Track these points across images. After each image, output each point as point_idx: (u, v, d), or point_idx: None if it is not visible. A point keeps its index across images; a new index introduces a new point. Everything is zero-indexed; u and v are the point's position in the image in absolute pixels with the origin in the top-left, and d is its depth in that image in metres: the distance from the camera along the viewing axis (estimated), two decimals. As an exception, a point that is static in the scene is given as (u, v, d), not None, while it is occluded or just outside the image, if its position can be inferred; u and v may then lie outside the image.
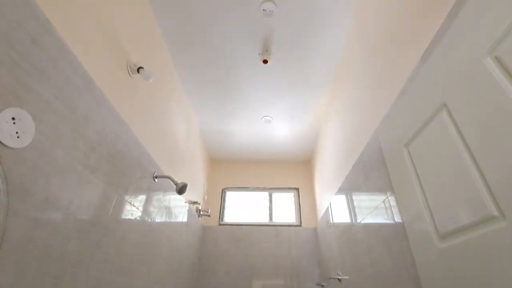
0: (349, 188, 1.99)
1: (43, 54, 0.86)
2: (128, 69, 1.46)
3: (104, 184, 1.20)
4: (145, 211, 1.65)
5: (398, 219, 1.23)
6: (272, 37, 2.01)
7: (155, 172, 1.77)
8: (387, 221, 1.34)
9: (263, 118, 2.97)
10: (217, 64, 2.27)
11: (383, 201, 1.39)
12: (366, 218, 1.63)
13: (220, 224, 3.38)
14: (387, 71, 1.39)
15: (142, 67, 1.51)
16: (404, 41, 1.23)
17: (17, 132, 0.80)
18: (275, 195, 3.67)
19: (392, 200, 1.30)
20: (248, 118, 2.99)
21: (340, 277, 2.18)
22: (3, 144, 0.75)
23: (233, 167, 3.88)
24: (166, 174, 2.02)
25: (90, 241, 1.10)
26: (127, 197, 1.41)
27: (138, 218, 1.55)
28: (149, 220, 1.71)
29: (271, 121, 3.01)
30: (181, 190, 1.78)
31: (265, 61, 2.14)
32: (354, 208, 1.88)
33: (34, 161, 0.84)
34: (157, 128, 1.86)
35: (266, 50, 2.11)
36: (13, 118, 0.79)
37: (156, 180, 1.78)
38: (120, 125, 1.34)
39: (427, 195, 0.97)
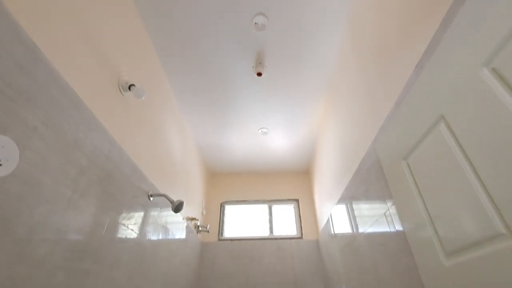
0: (349, 198, 1.95)
1: (30, 80, 0.84)
2: (119, 88, 1.43)
3: (94, 208, 1.15)
4: (140, 231, 1.59)
5: (400, 230, 1.19)
6: (265, 50, 2.01)
7: (149, 190, 1.72)
8: (390, 232, 1.30)
9: (260, 130, 2.94)
10: (211, 77, 2.26)
11: (384, 214, 1.36)
12: (369, 229, 1.58)
13: (219, 240, 3.30)
14: (381, 81, 1.37)
15: (133, 85, 1.49)
16: (396, 51, 1.22)
17: (-1, 160, 0.76)
18: (275, 207, 3.61)
19: (393, 213, 1.26)
20: (245, 131, 2.96)
21: (344, 292, 2.10)
22: (-16, 175, 0.72)
23: (231, 180, 3.83)
24: (162, 191, 1.97)
25: (79, 271, 1.05)
26: (120, 219, 1.36)
27: (133, 240, 1.49)
28: (145, 240, 1.65)
29: (268, 132, 2.99)
30: (177, 208, 1.74)
31: (259, 74, 2.13)
32: (355, 218, 1.83)
33: (17, 190, 0.80)
34: (151, 145, 1.83)
35: (260, 63, 2.11)
36: (-5, 146, 0.75)
37: (151, 199, 1.74)
38: (111, 145, 1.31)
39: (430, 210, 0.94)
